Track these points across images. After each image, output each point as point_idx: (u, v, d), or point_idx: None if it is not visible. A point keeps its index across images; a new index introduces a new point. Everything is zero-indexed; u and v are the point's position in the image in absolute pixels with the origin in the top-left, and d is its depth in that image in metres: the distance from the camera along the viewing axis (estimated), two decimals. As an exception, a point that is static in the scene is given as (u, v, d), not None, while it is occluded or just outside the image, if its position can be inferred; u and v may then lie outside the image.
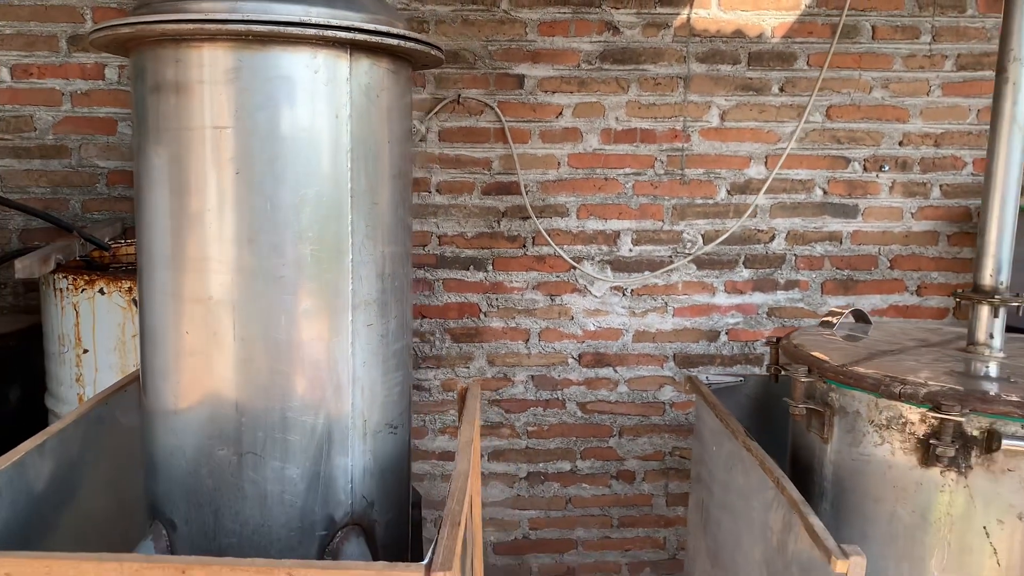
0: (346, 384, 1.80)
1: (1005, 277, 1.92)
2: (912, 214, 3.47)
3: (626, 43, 3.33)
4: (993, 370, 1.88)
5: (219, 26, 1.60)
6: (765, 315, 3.51)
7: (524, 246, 3.41)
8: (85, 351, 2.44)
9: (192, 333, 1.74)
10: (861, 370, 1.77)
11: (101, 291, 2.39)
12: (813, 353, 1.92)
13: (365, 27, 1.68)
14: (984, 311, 1.94)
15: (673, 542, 3.63)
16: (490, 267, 3.42)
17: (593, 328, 3.48)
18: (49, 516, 1.89)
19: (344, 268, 1.77)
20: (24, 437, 2.55)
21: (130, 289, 2.38)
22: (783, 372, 2.15)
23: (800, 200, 3.46)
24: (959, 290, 1.99)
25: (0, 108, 3.22)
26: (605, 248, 3.43)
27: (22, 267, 2.24)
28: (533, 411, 3.51)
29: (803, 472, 1.89)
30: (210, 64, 1.67)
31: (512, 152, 3.33)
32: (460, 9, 3.27)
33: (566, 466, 3.56)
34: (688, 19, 3.32)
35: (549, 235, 3.37)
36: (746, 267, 3.48)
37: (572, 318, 3.46)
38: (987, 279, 1.93)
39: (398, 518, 2.00)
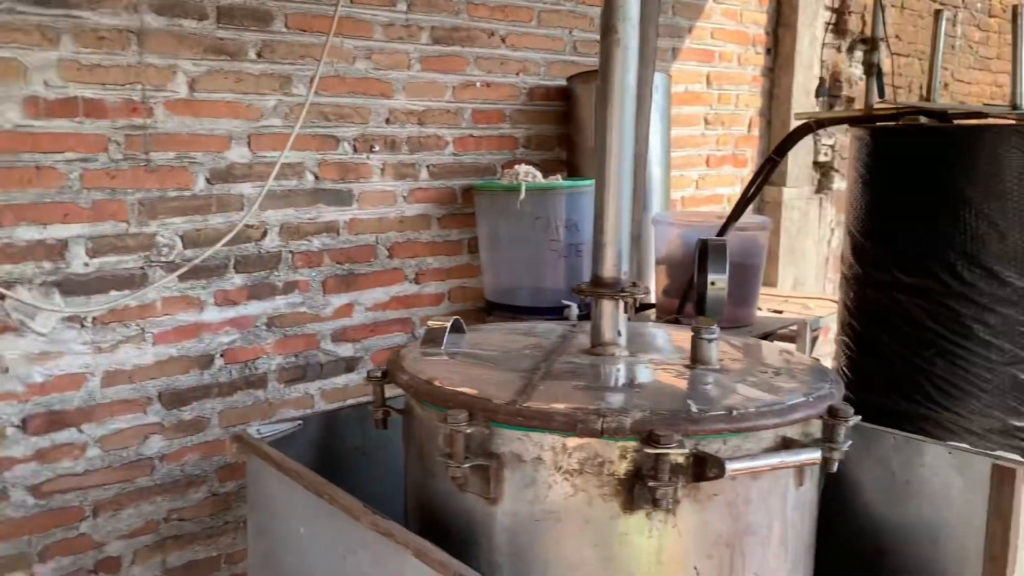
0: None
1: (626, 266, 1.71)
2: (404, 197, 3.20)
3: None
4: (645, 376, 1.66)
5: None
6: (264, 327, 2.90)
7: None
8: None
9: None
10: (541, 406, 1.37)
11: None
12: (462, 390, 1.46)
13: None
14: (608, 307, 1.71)
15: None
16: None
17: (42, 379, 2.48)
18: None
19: None
20: None
21: None
22: (390, 413, 1.66)
23: (291, 187, 2.90)
24: (582, 284, 1.73)
25: None
26: (48, 265, 2.46)
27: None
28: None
29: (458, 546, 1.43)
30: None
31: None
32: None
33: (20, 577, 2.51)
34: (133, -49, 2.51)
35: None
36: (237, 272, 2.82)
37: (6, 370, 2.41)
38: (609, 271, 1.70)
39: None
